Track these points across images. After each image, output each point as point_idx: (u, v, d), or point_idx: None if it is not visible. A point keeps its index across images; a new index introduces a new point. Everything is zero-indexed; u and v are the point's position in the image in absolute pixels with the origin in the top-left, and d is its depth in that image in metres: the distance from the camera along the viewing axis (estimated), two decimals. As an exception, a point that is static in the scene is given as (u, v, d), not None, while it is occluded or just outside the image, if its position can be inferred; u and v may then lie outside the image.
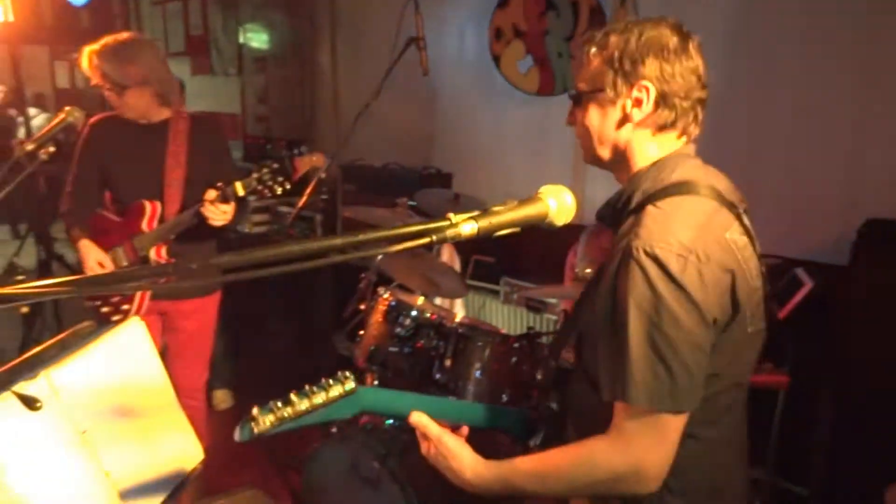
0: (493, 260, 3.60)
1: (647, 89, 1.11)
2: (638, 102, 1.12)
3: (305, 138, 4.78)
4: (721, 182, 1.16)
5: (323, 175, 2.55)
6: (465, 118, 3.92)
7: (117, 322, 2.18)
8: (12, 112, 6.81)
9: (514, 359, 2.22)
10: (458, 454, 1.12)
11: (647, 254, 1.01)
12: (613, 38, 1.13)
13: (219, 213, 2.20)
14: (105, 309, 2.39)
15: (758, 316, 1.12)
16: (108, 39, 2.24)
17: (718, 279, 1.03)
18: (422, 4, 2.81)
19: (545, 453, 1.11)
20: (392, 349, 2.34)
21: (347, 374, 1.05)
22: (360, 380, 2.71)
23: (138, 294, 2.36)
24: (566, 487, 1.09)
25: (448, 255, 3.22)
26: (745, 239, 1.11)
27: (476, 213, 0.79)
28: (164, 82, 2.33)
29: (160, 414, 1.29)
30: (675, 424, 1.02)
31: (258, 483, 2.82)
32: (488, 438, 1.27)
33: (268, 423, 0.96)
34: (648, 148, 1.16)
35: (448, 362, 2.23)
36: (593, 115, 1.17)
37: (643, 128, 1.15)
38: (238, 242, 4.06)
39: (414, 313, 2.36)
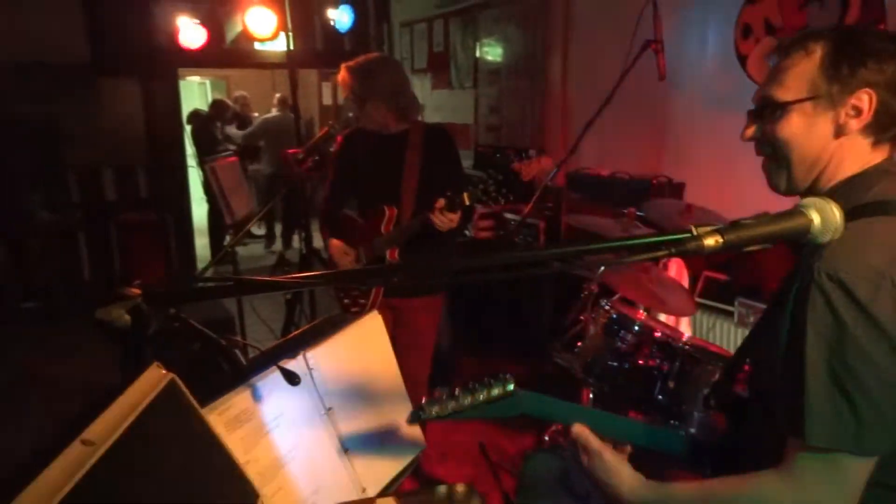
0: (726, 278, 3.30)
1: (870, 96, 1.00)
2: (857, 111, 1.01)
3: (534, 147, 4.86)
4: None
5: (549, 182, 2.55)
6: (702, 124, 3.65)
7: (355, 313, 2.44)
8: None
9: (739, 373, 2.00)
10: (617, 470, 1.09)
11: (830, 277, 0.89)
12: (825, 41, 1.03)
13: (446, 221, 2.32)
14: (346, 301, 2.68)
15: None
16: (360, 58, 2.51)
17: None
18: (661, 5, 2.68)
19: (709, 480, 1.05)
20: (611, 363, 2.27)
21: (508, 376, 1.11)
22: (577, 388, 2.68)
23: (374, 290, 2.60)
24: None
25: (676, 270, 3.03)
26: None
27: (720, 225, 0.73)
28: (401, 97, 2.53)
29: (391, 401, 1.41)
30: (857, 469, 0.89)
31: (471, 479, 2.94)
32: (655, 459, 1.22)
33: (433, 413, 1.08)
34: (849, 162, 1.04)
35: (671, 384, 2.09)
36: (797, 128, 1.06)
37: (854, 139, 1.03)
38: (464, 247, 4.27)
39: (637, 328, 2.26)
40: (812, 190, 1.09)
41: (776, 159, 1.11)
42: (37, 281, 4.93)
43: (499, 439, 2.98)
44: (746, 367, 1.25)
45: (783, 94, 1.08)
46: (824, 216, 0.81)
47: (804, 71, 1.06)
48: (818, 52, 1.05)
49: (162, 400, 0.63)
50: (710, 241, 0.71)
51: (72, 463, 0.51)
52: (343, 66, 2.52)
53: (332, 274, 0.82)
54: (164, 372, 0.66)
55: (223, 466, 0.75)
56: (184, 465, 0.66)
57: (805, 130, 1.06)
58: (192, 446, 0.68)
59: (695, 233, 0.71)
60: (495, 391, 1.09)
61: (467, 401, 1.08)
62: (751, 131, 1.14)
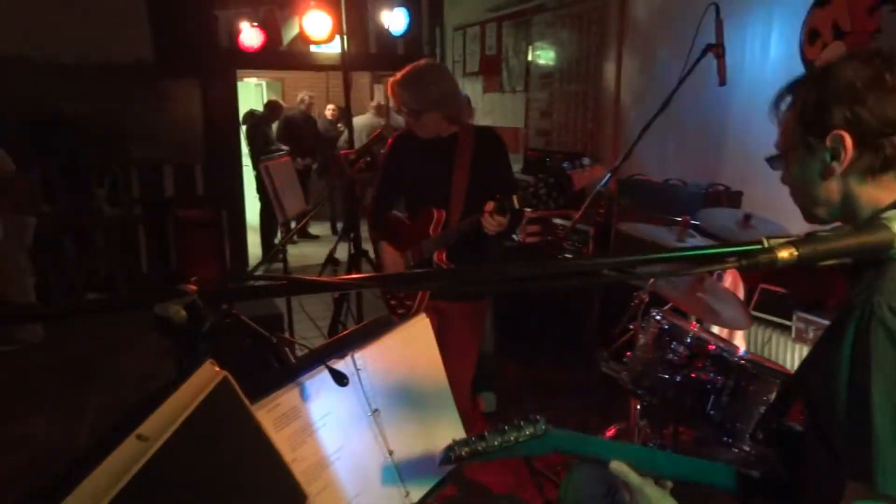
0: (784, 291, 3.17)
1: (843, 137, 1.00)
2: (836, 153, 1.01)
3: (585, 152, 4.79)
4: None
5: (601, 189, 2.50)
6: (763, 131, 3.52)
7: (400, 315, 2.45)
8: (340, 127, 8.08)
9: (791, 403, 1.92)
10: None
11: (892, 310, 0.85)
12: (799, 91, 1.09)
13: (495, 224, 2.30)
14: (392, 302, 2.69)
15: None
16: (407, 69, 2.50)
17: None
18: (722, 9, 2.60)
19: None
20: (662, 375, 2.21)
21: (539, 417, 1.11)
22: (624, 398, 2.62)
23: (420, 292, 2.60)
24: None
25: (731, 281, 2.93)
26: None
27: (795, 237, 0.69)
28: (453, 103, 2.52)
29: (437, 404, 1.40)
30: None
31: (513, 486, 2.91)
32: (700, 490, 1.18)
33: (463, 453, 1.08)
34: (870, 189, 1.02)
35: (725, 400, 2.02)
36: (796, 174, 1.11)
37: (854, 176, 1.03)
38: (511, 251, 4.23)
39: (689, 340, 2.19)
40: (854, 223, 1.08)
41: (795, 197, 1.17)
42: (99, 273, 5.14)
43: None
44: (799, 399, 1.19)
45: (781, 143, 1.14)
46: None
47: (788, 120, 1.11)
48: (796, 101, 1.09)
49: (215, 397, 0.64)
50: (783, 254, 0.67)
51: (127, 458, 0.52)
52: (392, 81, 2.51)
53: (381, 277, 0.81)
54: (217, 370, 0.66)
55: (273, 466, 0.75)
56: (234, 464, 0.67)
57: (800, 176, 1.11)
58: (243, 445, 0.68)
59: (766, 244, 0.68)
60: (527, 432, 1.09)
61: (496, 442, 1.08)
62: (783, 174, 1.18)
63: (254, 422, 0.70)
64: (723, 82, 2.56)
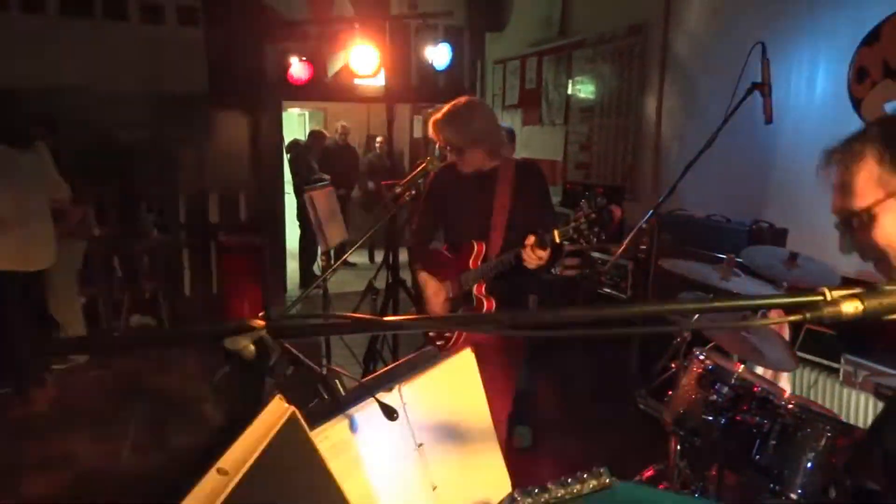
0: (831, 332, 3.09)
1: None
2: None
3: (624, 186, 4.78)
4: None
5: (644, 225, 2.50)
6: (809, 168, 3.46)
7: (439, 346, 2.45)
8: (386, 162, 8.20)
9: (869, 461, 1.85)
10: None
11: None
12: (871, 141, 1.03)
13: (535, 258, 2.30)
14: (430, 333, 2.70)
15: None
16: (447, 107, 2.54)
17: None
18: (768, 48, 2.60)
19: None
20: (706, 417, 2.16)
21: (602, 470, 1.10)
22: (663, 437, 2.57)
23: (458, 324, 2.60)
24: None
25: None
26: None
27: (858, 290, 0.68)
28: (493, 138, 2.56)
29: (480, 440, 1.40)
30: None
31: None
32: None
33: None
34: None
35: (773, 444, 1.97)
36: (890, 226, 1.03)
37: None
38: (549, 284, 4.22)
39: (734, 381, 2.15)
40: None
41: (887, 263, 1.07)
42: (144, 294, 5.29)
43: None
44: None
45: (859, 202, 1.06)
46: None
47: (867, 175, 1.04)
48: (870, 152, 1.04)
49: (284, 433, 0.66)
50: (849, 308, 0.66)
51: (209, 492, 0.54)
52: (433, 119, 2.56)
53: (438, 319, 0.83)
54: (286, 405, 0.69)
55: (336, 502, 0.77)
56: (304, 499, 0.68)
57: (892, 231, 1.04)
58: (311, 481, 0.70)
59: (829, 297, 0.67)
60: (591, 484, 1.08)
61: (560, 493, 1.08)
62: (849, 244, 1.12)
63: (319, 458, 0.72)
64: (769, 121, 2.55)
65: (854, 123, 3.17)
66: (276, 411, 0.67)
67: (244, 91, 5.13)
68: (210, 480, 0.56)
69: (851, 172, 1.06)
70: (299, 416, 0.69)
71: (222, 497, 0.54)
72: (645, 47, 4.66)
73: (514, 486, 1.47)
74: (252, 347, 0.68)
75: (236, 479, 0.57)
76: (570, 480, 1.09)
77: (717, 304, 0.69)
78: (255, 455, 0.60)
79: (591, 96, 5.27)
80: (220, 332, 0.69)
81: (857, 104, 3.19)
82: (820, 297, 0.67)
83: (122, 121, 4.94)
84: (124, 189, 5.04)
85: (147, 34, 5.08)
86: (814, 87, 3.46)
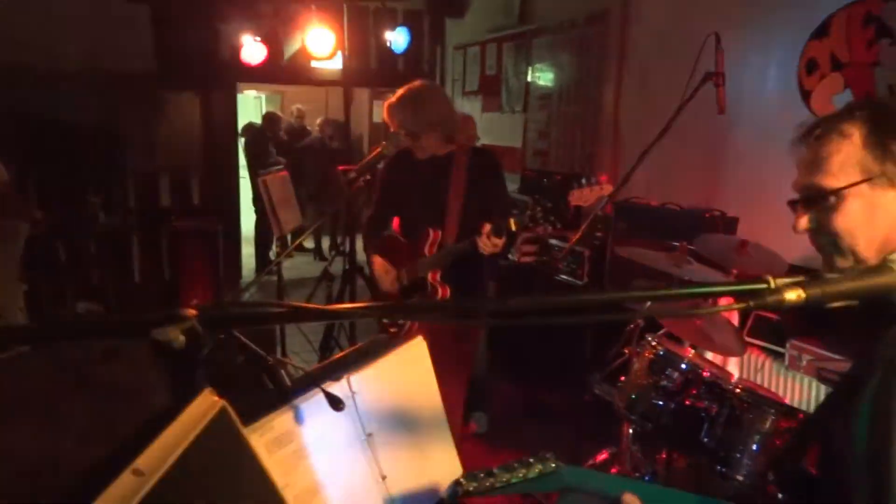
0: (777, 317, 3.18)
1: None
2: None
3: (582, 173, 4.81)
4: None
5: (600, 212, 2.51)
6: (761, 159, 3.56)
7: (394, 333, 2.43)
8: (333, 145, 8.07)
9: (807, 447, 1.91)
10: None
11: None
12: (861, 121, 0.99)
13: (491, 245, 2.30)
14: (385, 319, 2.67)
15: None
16: (401, 91, 2.51)
17: None
18: (722, 38, 2.64)
19: None
20: (656, 402, 2.20)
21: (549, 454, 1.10)
22: (617, 421, 2.61)
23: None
24: None
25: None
26: None
27: (802, 278, 0.68)
28: (449, 122, 2.55)
29: (431, 429, 1.38)
30: None
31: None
32: None
33: (471, 488, 1.08)
34: None
35: (720, 428, 2.02)
36: (857, 214, 1.00)
37: None
38: (506, 270, 4.23)
39: (684, 367, 2.19)
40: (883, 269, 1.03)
41: (839, 249, 1.05)
42: (91, 281, 5.11)
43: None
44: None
45: (832, 181, 1.02)
46: None
47: (848, 154, 1.01)
48: (856, 133, 1.00)
49: (212, 428, 0.63)
50: (791, 296, 0.66)
51: (123, 495, 0.51)
52: (387, 104, 2.53)
53: (382, 307, 0.81)
54: (215, 399, 0.65)
55: (269, 499, 0.74)
56: (231, 497, 0.65)
57: (867, 214, 1.01)
58: (241, 478, 0.67)
59: (773, 285, 0.67)
60: (535, 469, 1.08)
61: (506, 478, 1.07)
62: (805, 222, 1.08)
63: (251, 455, 0.69)
64: (722, 111, 2.59)
65: (803, 115, 3.27)
66: (205, 405, 0.64)
67: (195, 71, 4.96)
68: (124, 482, 0.52)
69: (832, 150, 1.03)
70: (230, 410, 0.66)
71: (136, 500, 0.51)
72: (604, 36, 4.68)
73: (466, 472, 1.46)
74: (182, 338, 0.65)
75: (153, 480, 0.54)
76: (516, 465, 1.08)
77: (664, 291, 0.68)
78: (178, 453, 0.57)
79: (551, 84, 5.28)
80: (147, 322, 0.65)
81: (806, 96, 3.26)
82: (764, 286, 0.67)
83: (63, 101, 4.73)
84: (67, 172, 4.84)
85: (89, 9, 4.86)
86: (766, 79, 3.53)
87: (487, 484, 1.06)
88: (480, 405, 3.76)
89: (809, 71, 3.24)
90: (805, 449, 1.20)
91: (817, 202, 1.04)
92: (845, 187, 1.01)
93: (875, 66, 2.98)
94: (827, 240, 1.06)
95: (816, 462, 1.11)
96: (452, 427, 2.84)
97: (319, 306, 0.67)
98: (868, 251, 1.02)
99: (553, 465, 1.08)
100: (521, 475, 1.07)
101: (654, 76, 4.26)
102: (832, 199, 1.02)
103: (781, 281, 0.67)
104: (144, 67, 4.98)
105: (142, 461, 0.54)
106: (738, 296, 0.68)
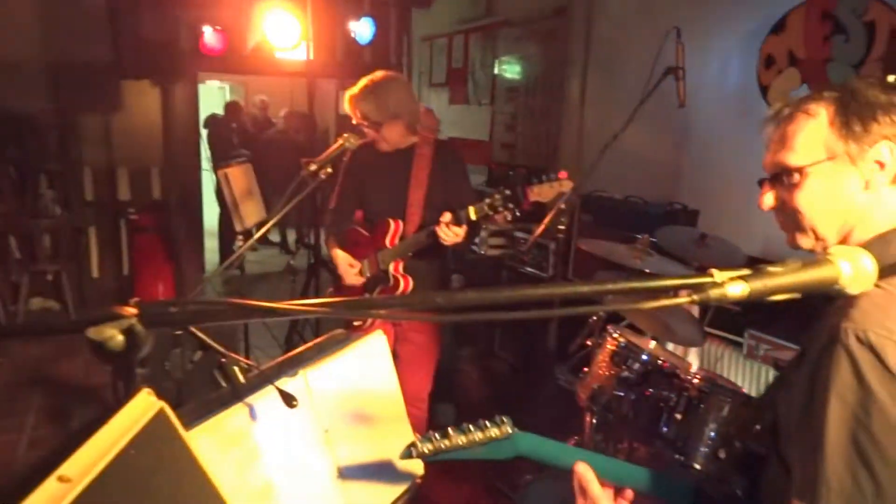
0: (737, 308, 3.25)
1: (890, 148, 0.99)
2: (881, 164, 0.99)
3: (548, 166, 4.84)
4: None
5: (563, 206, 2.53)
6: (720, 152, 3.62)
7: (357, 327, 2.41)
8: (294, 137, 7.93)
9: (757, 426, 1.96)
10: None
11: (858, 339, 0.85)
12: (827, 101, 1.02)
13: (451, 235, 2.29)
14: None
15: None
16: (363, 82, 2.48)
17: None
18: (683, 33, 2.67)
19: None
20: (617, 392, 2.23)
21: (505, 419, 1.10)
22: (580, 412, 2.63)
23: (377, 302, 2.57)
24: None
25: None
26: None
27: (746, 272, 0.69)
28: (412, 113, 2.53)
29: (391, 423, 1.38)
30: None
31: (468, 501, 2.89)
32: None
33: (425, 450, 1.07)
34: (881, 217, 1.01)
35: (679, 416, 2.05)
36: (818, 191, 1.03)
37: (880, 195, 1.01)
38: (473, 264, 4.24)
39: (645, 358, 2.22)
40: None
41: (800, 226, 1.08)
42: (46, 276, 4.96)
43: (502, 464, 2.93)
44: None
45: (796, 158, 1.05)
46: (855, 267, 0.76)
47: (813, 133, 1.03)
48: (823, 113, 1.03)
49: (149, 431, 0.60)
50: (733, 290, 0.67)
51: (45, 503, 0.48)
52: (349, 96, 2.49)
53: (335, 304, 0.79)
54: (153, 399, 0.63)
55: (210, 502, 0.72)
56: (168, 502, 0.63)
57: (827, 192, 1.03)
58: (179, 482, 0.65)
59: (717, 279, 0.68)
60: (492, 432, 1.08)
61: (461, 440, 1.06)
62: (769, 199, 1.11)
63: (192, 456, 0.67)
64: (682, 104, 2.62)
65: (761, 109, 3.33)
66: (141, 407, 0.62)
67: (154, 60, 4.83)
68: (47, 490, 0.50)
69: (798, 129, 1.05)
70: (168, 411, 0.64)
71: (60, 508, 0.49)
72: (569, 29, 4.70)
73: (426, 468, 1.46)
74: (120, 338, 0.62)
75: (80, 487, 0.51)
76: (471, 427, 1.08)
77: (609, 287, 0.69)
78: (109, 458, 0.54)
79: (517, 76, 5.29)
80: (83, 322, 0.62)
81: (764, 91, 3.33)
82: (709, 280, 0.68)
83: (15, 90, 4.57)
84: (21, 164, 4.68)
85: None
86: (726, 73, 3.59)
87: (442, 445, 1.06)
88: (447, 397, 3.76)
89: (767, 66, 3.31)
90: (754, 427, 1.23)
91: (781, 179, 1.07)
92: (808, 165, 1.03)
93: (829, 61, 3.05)
94: (789, 217, 1.08)
95: (765, 439, 1.14)
96: (419, 420, 2.84)
97: (268, 303, 0.65)
98: (827, 230, 1.05)
99: (508, 429, 1.09)
100: (476, 438, 1.07)
101: (618, 69, 4.29)
102: (795, 176, 1.05)
103: (726, 275, 0.68)
104: (100, 56, 4.83)
105: (68, 467, 0.52)
106: (685, 290, 0.68)
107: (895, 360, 0.84)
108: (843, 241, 1.05)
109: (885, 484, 0.84)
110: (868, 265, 0.75)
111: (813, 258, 0.74)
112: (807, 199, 1.04)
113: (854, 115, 1.00)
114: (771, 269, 0.70)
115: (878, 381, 0.84)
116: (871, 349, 0.85)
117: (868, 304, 0.88)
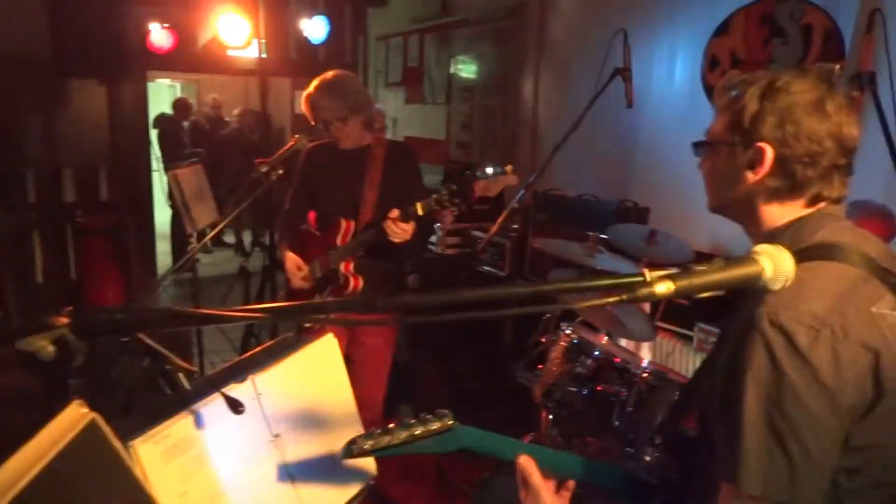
0: (686, 303, 3.34)
1: (764, 151, 1.02)
2: (752, 164, 1.04)
3: (503, 166, 4.87)
4: (875, 247, 1.00)
5: (516, 204, 2.56)
6: (669, 151, 3.71)
7: (308, 330, 2.39)
8: (251, 137, 7.80)
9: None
10: None
11: (772, 323, 0.89)
12: (743, 89, 1.05)
13: (399, 231, 2.29)
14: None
15: None
16: (317, 81, 2.47)
17: (856, 359, 0.89)
18: (631, 35, 2.73)
19: None
20: (570, 388, 2.27)
21: (446, 412, 1.11)
22: (537, 408, 2.67)
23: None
24: None
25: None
26: None
27: (674, 270, 0.73)
28: (369, 107, 2.55)
29: (342, 426, 1.37)
30: None
31: (426, 500, 2.90)
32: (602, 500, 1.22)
33: (366, 447, 1.05)
34: (778, 210, 1.06)
35: (629, 410, 2.10)
36: (709, 167, 1.13)
37: (761, 191, 1.06)
38: (430, 262, 4.24)
39: (597, 353, 2.27)
40: (754, 225, 1.10)
41: (706, 186, 1.17)
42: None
43: (458, 460, 2.95)
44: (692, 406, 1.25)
45: (712, 131, 1.12)
46: (777, 264, 0.80)
47: (728, 114, 1.08)
48: (744, 98, 1.05)
49: (80, 442, 0.59)
50: (661, 288, 0.71)
51: (-35, 519, 0.47)
52: (306, 95, 2.48)
53: (276, 309, 0.79)
54: (84, 411, 0.62)
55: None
56: (99, 515, 0.62)
57: (714, 171, 1.12)
58: (110, 493, 0.64)
59: (647, 278, 0.71)
60: (433, 426, 1.07)
61: (403, 435, 1.06)
62: (701, 162, 1.19)
63: (125, 467, 0.66)
64: (630, 105, 2.68)
65: (707, 109, 3.41)
66: (72, 419, 0.61)
67: (98, 57, 4.67)
68: (-31, 506, 0.49)
69: (725, 104, 1.09)
70: (100, 422, 0.63)
71: (-19, 524, 0.48)
72: (523, 29, 4.75)
73: (378, 468, 1.46)
74: (51, 348, 0.61)
75: (5, 501, 0.50)
76: (413, 422, 1.08)
77: (546, 287, 0.70)
78: (36, 470, 0.53)
79: (473, 76, 5.32)
80: (11, 333, 0.61)
81: (709, 91, 3.43)
82: (640, 279, 0.71)
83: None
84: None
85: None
86: (672, 74, 3.69)
87: (384, 442, 1.05)
88: (405, 396, 3.76)
89: (712, 67, 3.41)
90: (686, 411, 1.28)
91: (702, 149, 1.15)
92: (707, 143, 1.12)
93: (769, 63, 3.16)
94: (704, 178, 1.18)
95: (696, 421, 1.19)
96: (375, 421, 2.83)
97: (206, 310, 0.65)
98: (713, 202, 1.16)
99: (450, 422, 1.09)
100: (416, 432, 1.06)
101: (570, 69, 4.36)
102: (702, 148, 1.14)
103: (655, 274, 0.71)
104: (41, 53, 4.65)
105: (-8, 482, 0.51)
106: (615, 289, 0.71)
107: (806, 342, 0.88)
108: (755, 221, 1.09)
109: (797, 461, 0.88)
110: (788, 263, 0.79)
111: (737, 257, 0.78)
112: (706, 170, 1.15)
113: (753, 112, 1.04)
114: (697, 268, 0.73)
115: (790, 363, 0.88)
116: (784, 332, 0.89)
117: (783, 290, 0.92)
